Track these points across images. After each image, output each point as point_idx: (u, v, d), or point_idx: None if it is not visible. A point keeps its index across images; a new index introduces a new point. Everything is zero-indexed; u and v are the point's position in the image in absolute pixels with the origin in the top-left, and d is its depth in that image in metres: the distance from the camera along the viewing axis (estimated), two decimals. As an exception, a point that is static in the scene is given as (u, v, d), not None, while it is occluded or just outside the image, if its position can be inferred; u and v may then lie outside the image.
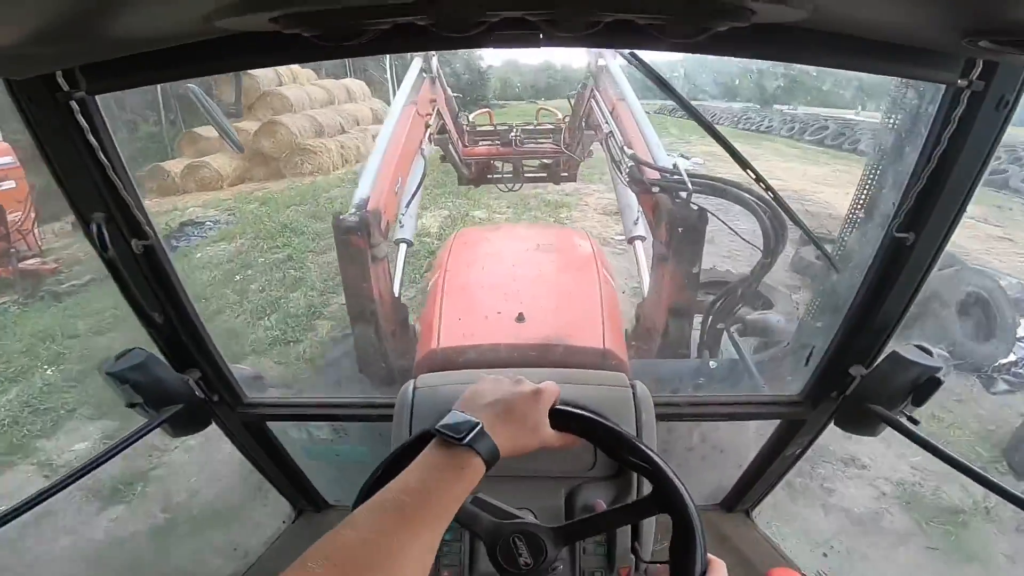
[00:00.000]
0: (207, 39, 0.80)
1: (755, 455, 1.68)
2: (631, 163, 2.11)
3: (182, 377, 1.31)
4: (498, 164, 4.79)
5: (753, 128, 18.04)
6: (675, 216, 1.91)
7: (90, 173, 0.98)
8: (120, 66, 0.87)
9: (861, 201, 1.21)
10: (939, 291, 4.55)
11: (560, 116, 5.13)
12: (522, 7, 0.59)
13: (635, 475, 1.18)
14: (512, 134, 4.53)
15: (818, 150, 14.69)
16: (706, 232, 1.83)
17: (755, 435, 1.74)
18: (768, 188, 1.18)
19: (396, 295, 2.48)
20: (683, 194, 1.85)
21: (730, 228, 1.82)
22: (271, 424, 1.64)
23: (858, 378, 1.23)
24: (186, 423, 1.36)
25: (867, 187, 1.20)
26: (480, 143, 4.66)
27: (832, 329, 1.28)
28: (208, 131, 11.43)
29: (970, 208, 0.92)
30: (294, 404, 1.58)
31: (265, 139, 12.02)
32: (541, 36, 0.68)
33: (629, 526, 1.16)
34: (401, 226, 2.61)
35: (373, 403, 1.54)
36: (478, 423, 0.72)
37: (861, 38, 0.76)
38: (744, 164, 1.17)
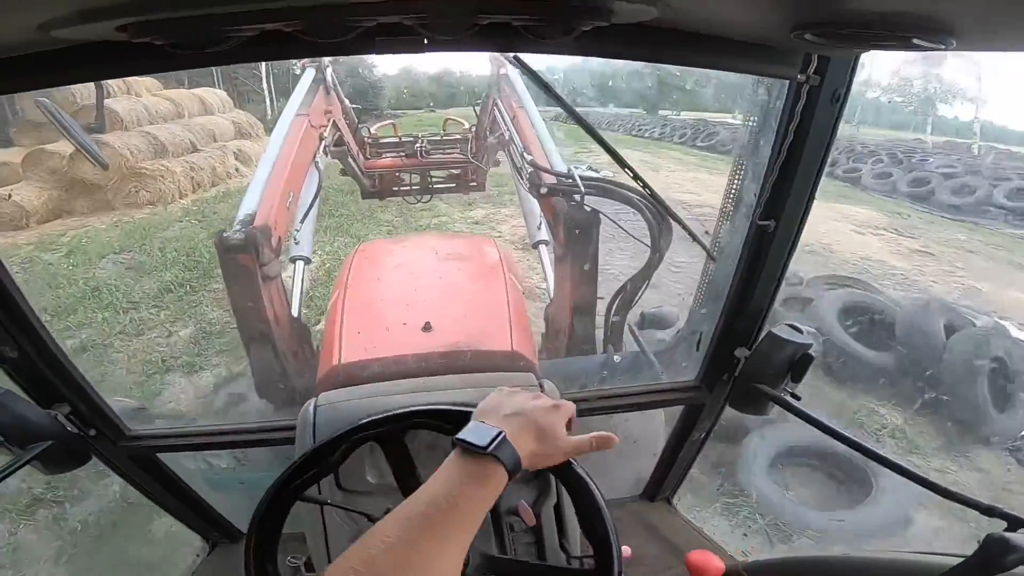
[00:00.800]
0: (42, 50, 0.71)
1: (663, 444, 1.75)
2: (530, 169, 2.15)
3: (49, 413, 1.20)
4: (404, 176, 4.69)
5: (647, 135, 18.47)
6: (571, 218, 1.97)
7: None
8: None
9: (731, 195, 1.30)
10: (958, 360, 4.01)
11: (467, 126, 5.14)
12: (394, 12, 0.58)
13: (551, 474, 1.20)
14: (417, 145, 4.46)
15: (715, 156, 14.93)
16: (599, 232, 1.91)
17: (664, 424, 1.81)
18: (645, 185, 1.25)
19: (295, 315, 2.37)
20: (577, 197, 1.91)
21: (619, 226, 1.91)
22: (164, 456, 1.53)
23: (743, 359, 1.30)
24: (60, 460, 1.25)
25: (735, 181, 1.29)
26: (384, 155, 4.55)
27: (716, 315, 1.35)
28: (9, 155, 9.85)
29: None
30: (186, 434, 1.48)
31: (84, 163, 9.38)
32: (425, 41, 0.68)
33: (553, 523, 1.18)
34: (296, 243, 2.49)
35: (272, 427, 1.47)
36: (501, 432, 0.71)
37: (710, 36, 0.81)
38: (622, 164, 1.23)
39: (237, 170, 12.14)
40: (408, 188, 4.75)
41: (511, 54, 0.98)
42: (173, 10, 0.53)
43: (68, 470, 1.30)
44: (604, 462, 1.71)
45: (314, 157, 2.75)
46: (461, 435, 0.71)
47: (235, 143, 12.73)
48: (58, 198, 9.54)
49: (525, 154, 2.30)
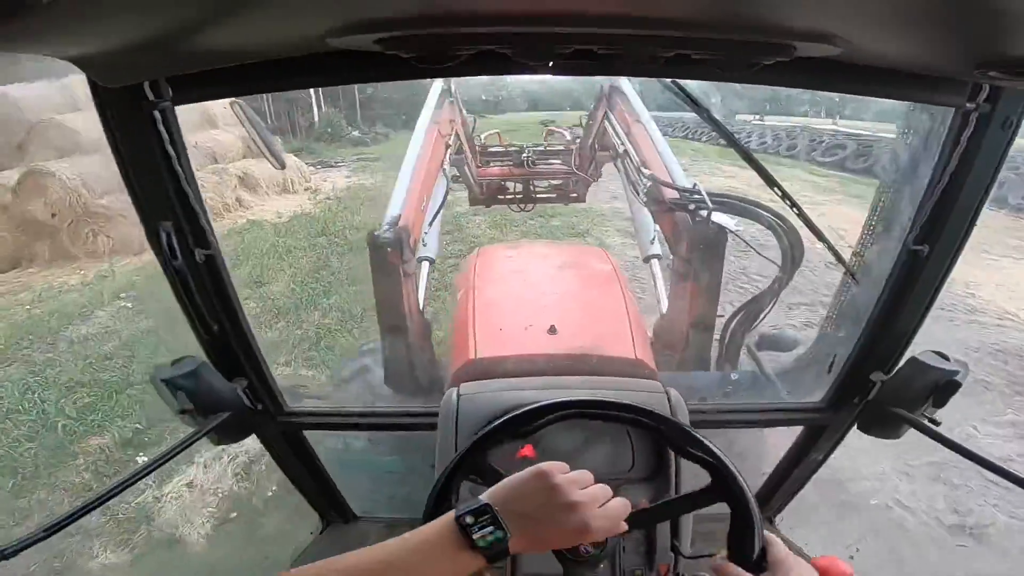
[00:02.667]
0: (311, 53, 0.86)
1: (778, 462, 1.73)
2: (648, 183, 2.20)
3: (231, 386, 1.34)
4: (508, 185, 4.85)
5: (772, 151, 14.58)
6: (695, 234, 1.98)
7: (163, 182, 1.02)
8: (206, 78, 0.91)
9: (877, 216, 1.28)
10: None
11: (568, 136, 5.22)
12: (593, 42, 0.67)
13: (672, 475, 1.24)
14: (524, 155, 4.61)
15: (855, 179, 11.73)
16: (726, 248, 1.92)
17: (775, 443, 1.79)
18: (793, 204, 1.27)
19: (421, 311, 2.56)
20: (703, 213, 1.92)
21: (748, 244, 1.90)
22: (308, 434, 1.66)
23: (879, 383, 1.28)
24: (231, 431, 1.38)
25: (882, 203, 1.28)
26: (492, 164, 4.74)
27: (853, 339, 1.34)
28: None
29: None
30: (333, 413, 1.60)
31: (32, 199, 7.40)
32: (611, 67, 0.77)
33: (668, 524, 1.22)
34: (424, 244, 2.69)
35: (411, 412, 1.57)
36: (505, 535, 0.66)
37: (885, 68, 0.84)
38: (771, 182, 1.26)
39: (239, 202, 9.59)
40: (512, 196, 4.90)
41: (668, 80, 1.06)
42: (420, 28, 0.65)
43: (233, 442, 1.44)
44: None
45: (442, 164, 2.94)
46: (464, 514, 0.67)
47: (240, 164, 10.15)
48: (15, 243, 7.61)
49: (643, 168, 2.35)
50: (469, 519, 0.66)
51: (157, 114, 0.94)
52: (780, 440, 1.74)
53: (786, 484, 1.74)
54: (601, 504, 0.72)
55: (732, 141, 1.27)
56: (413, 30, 0.66)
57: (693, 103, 1.13)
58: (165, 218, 1.07)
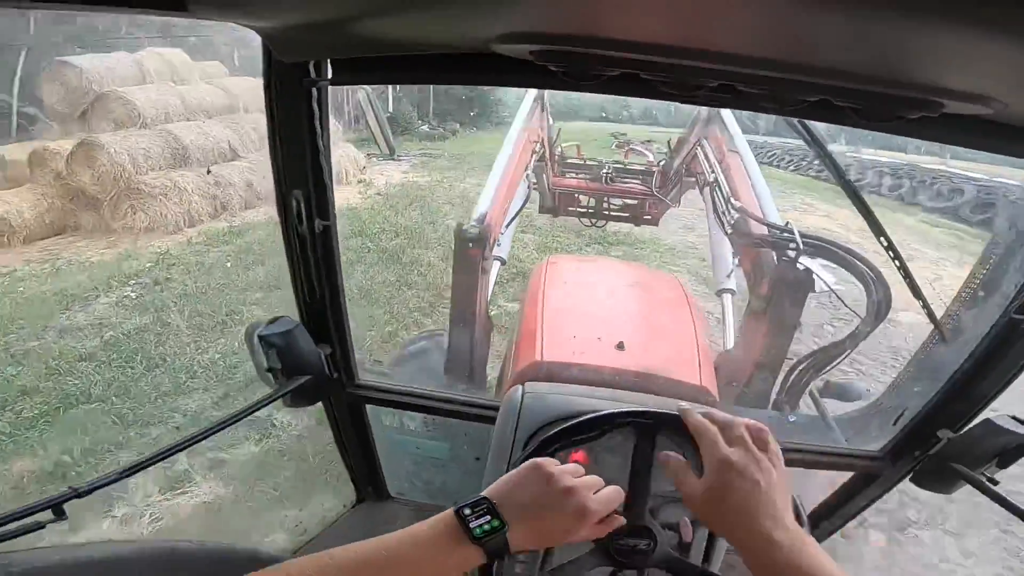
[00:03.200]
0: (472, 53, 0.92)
1: (818, 504, 1.69)
2: (736, 215, 2.18)
3: (317, 351, 1.41)
4: (581, 198, 4.83)
5: (872, 189, 12.59)
6: (780, 274, 1.94)
7: (305, 153, 1.11)
8: (364, 63, 1.00)
9: (979, 278, 1.26)
10: None
11: (651, 158, 5.13)
12: (742, 80, 0.70)
13: None
14: (604, 171, 4.58)
15: (972, 232, 10.23)
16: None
17: (819, 486, 1.75)
18: (897, 257, 1.26)
19: (487, 308, 2.63)
20: (791, 253, 1.88)
21: (832, 291, 1.85)
22: (369, 409, 1.72)
23: (945, 440, 1.27)
24: (307, 395, 1.43)
25: (988, 264, 1.25)
26: (567, 174, 4.74)
27: (926, 395, 1.32)
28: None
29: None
30: (398, 391, 1.65)
31: (82, 169, 7.61)
32: (754, 104, 0.79)
33: (703, 545, 1.22)
34: (499, 245, 2.77)
35: (473, 403, 1.61)
36: (504, 527, 0.67)
37: None
38: (879, 231, 1.25)
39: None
40: (584, 210, 4.87)
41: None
42: (570, 45, 0.70)
43: (304, 405, 1.48)
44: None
45: (526, 169, 3.03)
46: (463, 509, 0.68)
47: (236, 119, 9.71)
48: (59, 210, 7.79)
49: (733, 200, 2.34)
50: (467, 511, 0.68)
51: (314, 91, 1.02)
52: (824, 484, 1.70)
53: (824, 524, 1.70)
54: (596, 491, 0.75)
55: (843, 180, 1.27)
56: (568, 47, 0.70)
57: (814, 140, 1.13)
58: (298, 187, 1.16)
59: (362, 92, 1.50)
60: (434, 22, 0.77)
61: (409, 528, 0.67)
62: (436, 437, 2.06)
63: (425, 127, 18.39)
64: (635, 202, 4.79)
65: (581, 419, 1.03)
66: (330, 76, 1.04)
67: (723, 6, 0.54)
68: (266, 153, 1.16)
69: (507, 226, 2.86)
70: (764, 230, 2.03)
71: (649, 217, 4.83)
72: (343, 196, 10.13)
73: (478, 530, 0.66)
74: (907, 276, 1.28)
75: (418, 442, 2.07)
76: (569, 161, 4.89)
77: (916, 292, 1.26)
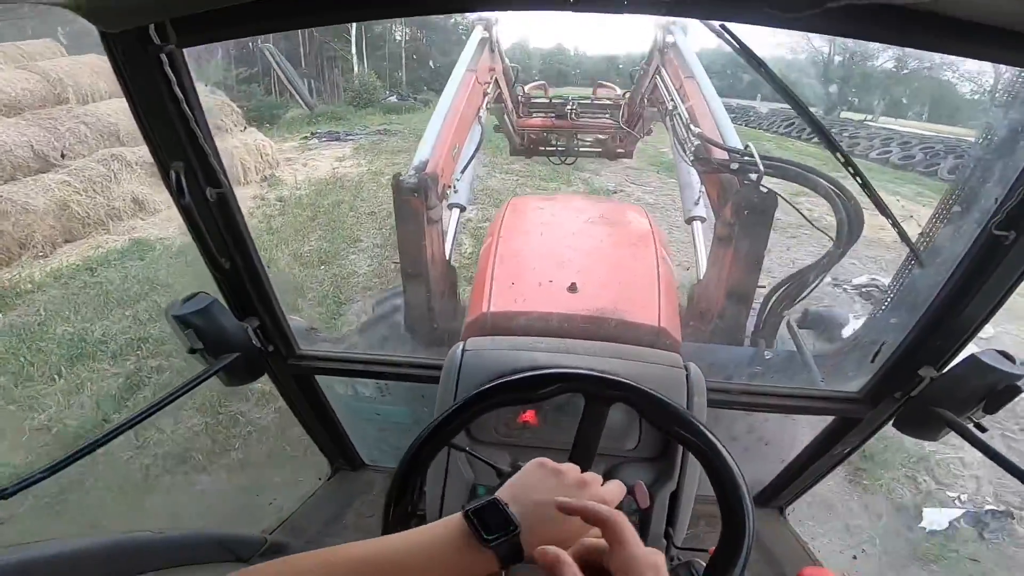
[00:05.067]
0: None
1: (800, 451, 1.65)
2: (697, 142, 2.03)
3: (242, 325, 1.34)
4: (551, 137, 4.73)
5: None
6: (743, 198, 1.85)
7: (174, 123, 1.02)
8: (211, 19, 0.89)
9: (957, 194, 1.13)
10: None
11: (619, 92, 4.99)
12: None
13: (678, 459, 1.18)
14: (568, 107, 4.46)
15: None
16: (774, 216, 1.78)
17: (802, 431, 1.69)
18: (857, 172, 1.12)
19: (447, 259, 2.49)
20: (753, 176, 1.78)
21: (800, 213, 1.75)
22: (319, 379, 1.67)
23: (927, 380, 1.18)
24: (241, 372, 1.38)
25: (968, 181, 1.12)
26: (535, 115, 4.62)
27: (906, 328, 1.22)
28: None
29: None
30: (343, 359, 1.60)
31: None
32: (644, 5, 0.68)
33: (665, 510, 1.17)
34: (455, 191, 2.60)
35: (420, 363, 1.56)
36: (516, 528, 0.63)
37: (980, 24, 0.70)
38: (833, 146, 1.12)
39: (138, 203, 6.49)
40: (555, 148, 4.79)
41: (715, 23, 0.92)
42: None
43: (244, 383, 1.43)
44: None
45: (478, 111, 2.83)
46: (474, 510, 0.64)
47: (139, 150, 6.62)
48: None
49: (692, 126, 2.18)
50: (477, 515, 0.64)
51: (164, 57, 0.91)
52: (807, 428, 1.64)
53: (804, 475, 1.67)
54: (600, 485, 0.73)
55: (786, 93, 1.13)
56: None
57: (744, 50, 0.98)
58: (177, 159, 1.07)
59: (266, 51, 1.32)
60: None
61: (416, 531, 0.64)
62: (393, 402, 2.00)
63: (393, 98, 17.23)
64: (605, 137, 4.70)
65: (495, 383, 1.00)
66: (176, 38, 0.91)
67: None
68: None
69: (462, 172, 2.70)
70: (724, 155, 1.88)
71: (622, 151, 4.77)
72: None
73: (490, 534, 0.62)
74: (870, 192, 1.15)
75: (377, 408, 2.04)
76: (535, 101, 4.76)
77: (882, 208, 1.13)
